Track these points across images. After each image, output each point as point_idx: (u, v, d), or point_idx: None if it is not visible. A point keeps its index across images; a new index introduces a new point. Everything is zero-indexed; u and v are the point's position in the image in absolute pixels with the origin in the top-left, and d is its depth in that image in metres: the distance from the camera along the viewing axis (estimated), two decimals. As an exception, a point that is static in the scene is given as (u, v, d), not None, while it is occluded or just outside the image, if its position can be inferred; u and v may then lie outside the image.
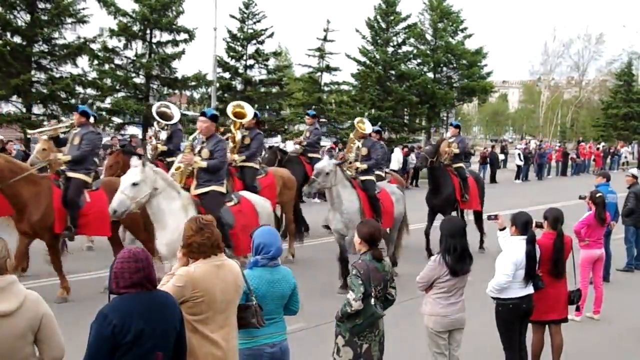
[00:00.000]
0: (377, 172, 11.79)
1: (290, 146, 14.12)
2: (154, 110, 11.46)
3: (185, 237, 4.01)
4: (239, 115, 10.98)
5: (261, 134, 11.75)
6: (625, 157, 41.45)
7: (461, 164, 12.76)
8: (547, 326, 6.50)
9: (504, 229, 6.21)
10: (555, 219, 6.44)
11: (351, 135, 11.23)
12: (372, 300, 4.71)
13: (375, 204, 10.10)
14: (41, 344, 3.45)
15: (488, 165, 29.30)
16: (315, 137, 13.93)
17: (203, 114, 8.27)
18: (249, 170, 10.91)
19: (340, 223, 9.68)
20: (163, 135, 11.20)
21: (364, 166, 10.41)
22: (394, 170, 25.26)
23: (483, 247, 12.59)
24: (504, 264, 5.83)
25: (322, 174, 9.39)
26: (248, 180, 10.77)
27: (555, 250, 6.29)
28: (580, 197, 9.54)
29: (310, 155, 13.61)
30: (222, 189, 8.18)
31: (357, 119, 11.25)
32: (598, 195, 8.90)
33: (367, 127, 10.90)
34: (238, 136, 10.95)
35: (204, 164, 7.98)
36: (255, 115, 11.41)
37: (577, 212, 9.74)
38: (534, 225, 6.13)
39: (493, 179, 29.23)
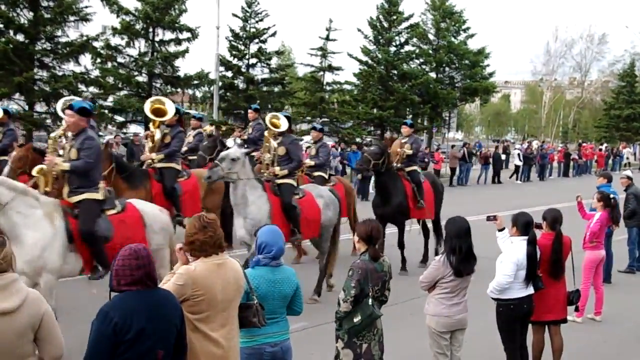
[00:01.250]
0: (320, 174, 10.93)
1: (231, 142, 12.39)
2: (59, 107, 9.99)
3: (187, 234, 4.00)
4: (159, 113, 9.81)
5: (183, 132, 10.45)
6: (627, 158, 41.45)
7: (415, 167, 11.35)
8: (546, 327, 6.50)
9: (502, 229, 6.18)
10: (553, 219, 6.43)
11: (265, 134, 9.71)
12: (370, 301, 4.71)
13: (291, 212, 8.77)
14: (41, 342, 3.45)
15: (490, 166, 29.40)
16: (257, 133, 12.14)
17: (70, 107, 7.02)
18: (169, 171, 9.71)
19: (242, 229, 8.31)
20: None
21: (284, 172, 9.05)
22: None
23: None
24: (506, 264, 5.82)
25: (227, 160, 8.13)
26: (167, 182, 9.61)
27: (554, 251, 6.27)
28: (578, 197, 9.50)
29: (252, 153, 11.96)
30: (97, 195, 6.88)
31: (270, 115, 9.71)
32: (612, 197, 8.94)
33: (283, 123, 9.39)
34: (157, 135, 9.81)
35: (66, 165, 6.75)
36: (178, 111, 10.20)
37: (579, 213, 9.70)
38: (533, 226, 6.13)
39: (496, 180, 29.47)
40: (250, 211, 8.27)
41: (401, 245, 10.95)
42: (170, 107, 9.93)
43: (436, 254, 11.21)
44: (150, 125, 10.22)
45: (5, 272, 3.36)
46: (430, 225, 11.75)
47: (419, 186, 11.10)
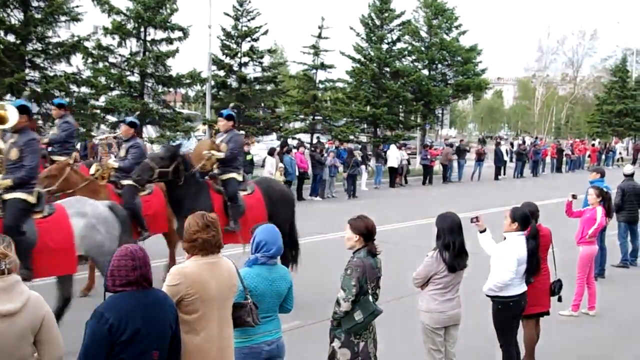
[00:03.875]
0: (129, 182, 8.54)
1: None
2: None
3: (189, 231, 3.95)
4: None
5: None
6: (620, 154, 41.64)
7: (233, 175, 8.66)
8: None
9: (484, 231, 6.09)
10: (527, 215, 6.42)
11: None
12: (370, 298, 4.70)
13: (15, 238, 6.35)
14: (41, 344, 3.43)
15: (483, 162, 29.54)
16: (64, 134, 9.81)
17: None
18: None
19: None
20: None
21: (7, 182, 6.64)
22: (392, 168, 25.59)
23: None
24: (508, 261, 5.77)
25: None
26: None
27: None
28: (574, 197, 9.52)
29: (54, 157, 9.46)
30: None
31: None
32: (607, 192, 9.00)
33: (11, 117, 6.57)
34: None
35: None
36: None
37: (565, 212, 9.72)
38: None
39: (496, 176, 29.89)
40: None
41: None
42: None
43: None
44: None
45: (11, 273, 3.34)
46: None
47: (234, 201, 8.52)
